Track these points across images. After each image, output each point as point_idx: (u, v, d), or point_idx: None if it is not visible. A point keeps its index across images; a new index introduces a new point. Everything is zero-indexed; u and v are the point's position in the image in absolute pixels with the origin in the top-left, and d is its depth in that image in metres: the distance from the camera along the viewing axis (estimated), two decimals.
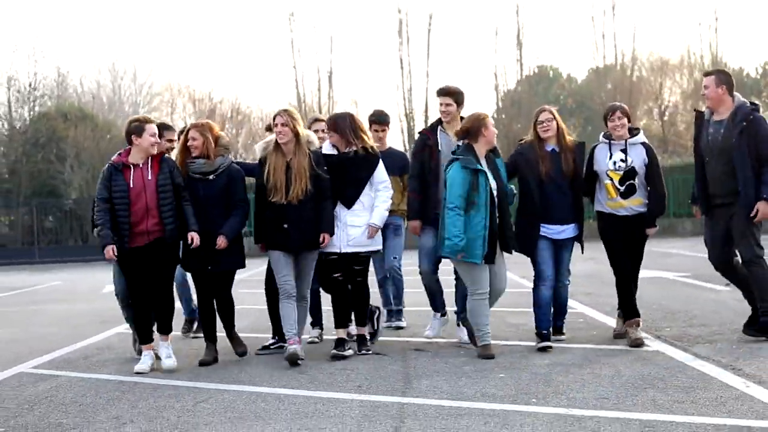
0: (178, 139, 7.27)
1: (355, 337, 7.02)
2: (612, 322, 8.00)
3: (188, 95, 42.12)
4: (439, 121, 7.28)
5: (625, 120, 6.94)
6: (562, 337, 7.15)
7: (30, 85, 36.96)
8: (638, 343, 6.74)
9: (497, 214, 6.54)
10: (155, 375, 6.45)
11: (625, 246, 6.98)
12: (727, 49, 63.67)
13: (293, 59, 40.55)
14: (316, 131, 7.36)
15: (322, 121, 7.61)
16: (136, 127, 6.48)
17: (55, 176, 33.79)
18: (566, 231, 6.90)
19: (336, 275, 6.84)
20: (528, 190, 6.84)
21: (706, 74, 7.23)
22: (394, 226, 7.89)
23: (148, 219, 6.42)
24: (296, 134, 6.61)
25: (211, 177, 6.68)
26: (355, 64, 54.55)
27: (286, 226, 6.57)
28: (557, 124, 6.84)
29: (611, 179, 6.93)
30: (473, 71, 60.20)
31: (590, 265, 13.04)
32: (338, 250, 6.76)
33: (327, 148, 6.88)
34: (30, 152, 34.37)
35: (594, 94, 39.77)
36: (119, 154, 6.55)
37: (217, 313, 6.95)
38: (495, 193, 6.52)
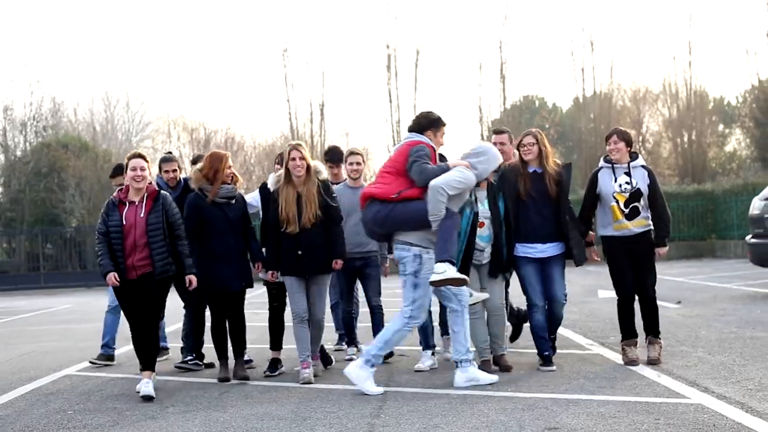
0: (179, 168, 8.13)
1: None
2: (566, 332, 9.38)
3: (182, 125, 43.50)
4: None
5: (622, 144, 7.16)
6: (552, 368, 7.07)
7: (33, 117, 38.43)
8: (633, 362, 7.09)
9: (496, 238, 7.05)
10: (185, 374, 7.80)
11: (633, 265, 7.21)
12: (707, 78, 65.78)
13: (287, 93, 42.24)
14: (351, 164, 8.14)
15: (358, 154, 8.30)
16: (124, 168, 6.87)
17: (56, 205, 35.11)
18: (549, 249, 7.08)
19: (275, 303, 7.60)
20: (507, 209, 7.10)
21: (499, 132, 7.86)
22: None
23: (134, 254, 6.66)
24: (308, 167, 7.10)
25: (233, 201, 7.25)
26: (345, 97, 56.52)
27: (300, 252, 6.98)
28: (539, 147, 7.06)
29: (617, 201, 7.14)
30: (459, 104, 62.32)
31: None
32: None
33: (271, 182, 7.35)
34: (32, 182, 35.70)
35: (576, 123, 41.10)
36: (119, 191, 6.84)
37: (229, 333, 7.37)
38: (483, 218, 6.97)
